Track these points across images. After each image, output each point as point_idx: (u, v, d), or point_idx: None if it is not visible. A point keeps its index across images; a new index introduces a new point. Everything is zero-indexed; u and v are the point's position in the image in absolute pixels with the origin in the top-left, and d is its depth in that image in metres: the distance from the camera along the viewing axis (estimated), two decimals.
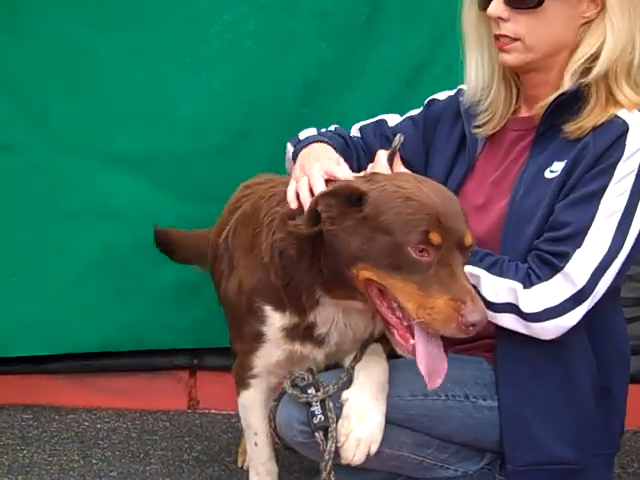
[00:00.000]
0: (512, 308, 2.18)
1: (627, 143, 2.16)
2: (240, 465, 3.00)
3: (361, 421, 2.12)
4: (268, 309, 2.24)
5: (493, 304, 2.19)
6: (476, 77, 2.41)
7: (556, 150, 2.24)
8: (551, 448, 2.24)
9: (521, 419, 2.24)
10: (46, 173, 3.25)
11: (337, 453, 2.13)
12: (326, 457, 2.12)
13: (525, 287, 2.17)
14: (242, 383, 2.40)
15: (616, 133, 2.17)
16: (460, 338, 2.32)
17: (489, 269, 2.21)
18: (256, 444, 2.42)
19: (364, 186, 2.03)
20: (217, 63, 3.17)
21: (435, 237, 1.95)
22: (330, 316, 2.20)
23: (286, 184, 2.25)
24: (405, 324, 2.01)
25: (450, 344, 2.48)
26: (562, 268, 2.15)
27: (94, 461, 3.05)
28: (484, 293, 2.20)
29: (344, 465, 2.17)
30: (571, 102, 2.21)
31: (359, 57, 3.20)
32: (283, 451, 2.38)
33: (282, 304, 2.22)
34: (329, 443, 2.12)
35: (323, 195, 2.04)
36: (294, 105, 3.17)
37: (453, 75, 3.10)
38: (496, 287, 2.19)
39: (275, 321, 2.24)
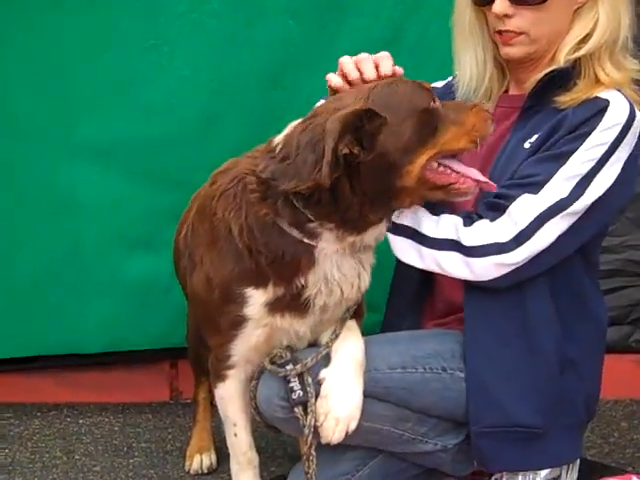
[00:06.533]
0: (454, 245, 2.30)
1: (605, 116, 2.32)
2: (187, 469, 3.04)
3: (339, 400, 2.26)
4: (249, 290, 2.30)
5: (434, 239, 2.32)
6: (477, 68, 2.56)
7: (538, 123, 2.40)
8: (514, 412, 2.37)
9: (486, 383, 2.37)
10: (6, 163, 3.23)
11: (317, 431, 2.27)
12: (306, 432, 2.26)
13: (465, 225, 2.31)
14: (218, 375, 2.47)
15: (597, 107, 2.33)
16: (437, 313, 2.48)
17: (429, 210, 2.36)
18: (236, 435, 2.52)
19: (358, 104, 2.20)
20: (182, 44, 3.20)
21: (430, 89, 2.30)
22: (324, 272, 2.27)
23: (236, 161, 2.38)
24: (462, 175, 2.29)
25: (428, 319, 2.65)
26: (507, 207, 2.29)
27: (77, 457, 3.15)
28: (425, 230, 2.33)
29: (325, 443, 2.31)
30: (561, 79, 2.37)
31: (328, 33, 3.24)
32: (265, 430, 2.51)
33: (262, 280, 2.29)
34: (309, 417, 2.26)
35: (339, 139, 2.12)
36: (262, 86, 3.21)
37: (425, 46, 3.26)
38: (437, 221, 2.33)
39: (257, 299, 2.31)
